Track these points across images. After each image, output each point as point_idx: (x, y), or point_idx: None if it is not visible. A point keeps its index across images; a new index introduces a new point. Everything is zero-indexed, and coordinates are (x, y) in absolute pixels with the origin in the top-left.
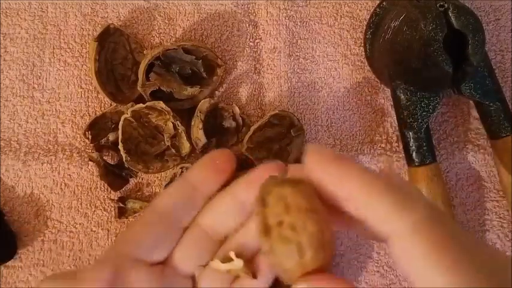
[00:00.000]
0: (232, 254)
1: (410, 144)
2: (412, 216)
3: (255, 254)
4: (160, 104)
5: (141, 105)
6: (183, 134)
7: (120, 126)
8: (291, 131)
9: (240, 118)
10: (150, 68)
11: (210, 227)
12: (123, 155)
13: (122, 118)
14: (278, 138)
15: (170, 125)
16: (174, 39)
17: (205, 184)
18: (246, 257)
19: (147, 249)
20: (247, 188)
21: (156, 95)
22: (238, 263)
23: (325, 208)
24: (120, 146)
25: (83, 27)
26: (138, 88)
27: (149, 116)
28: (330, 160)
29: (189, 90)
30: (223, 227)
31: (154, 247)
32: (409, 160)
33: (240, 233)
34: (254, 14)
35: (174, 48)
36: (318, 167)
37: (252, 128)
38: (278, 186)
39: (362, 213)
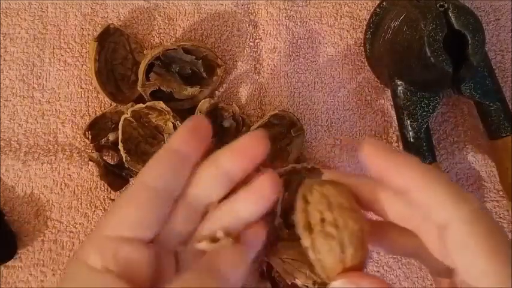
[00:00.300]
0: (220, 233)
1: (410, 144)
2: (469, 205)
3: (241, 231)
4: (160, 104)
5: (141, 105)
6: None
7: (120, 126)
8: (291, 131)
9: (240, 118)
10: (150, 68)
11: (194, 199)
12: (123, 155)
13: (122, 118)
14: (278, 138)
15: (170, 125)
16: (174, 39)
17: (191, 151)
18: (233, 235)
19: (145, 229)
20: (232, 157)
21: (156, 95)
22: (226, 243)
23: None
24: (120, 146)
25: (83, 27)
26: (138, 88)
27: (149, 116)
28: (389, 151)
29: (189, 90)
30: (207, 199)
31: (152, 225)
32: None
33: (227, 209)
34: (254, 14)
35: (174, 48)
36: (378, 157)
37: (252, 128)
38: (320, 185)
39: (422, 200)
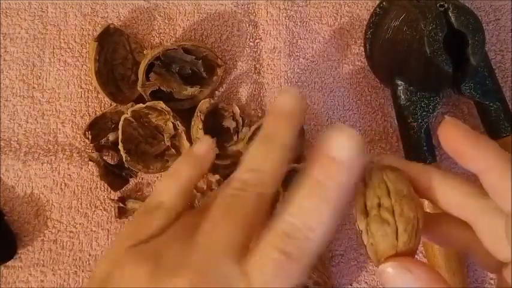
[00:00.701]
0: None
1: (410, 144)
2: None
3: None
4: (160, 104)
5: (141, 105)
6: (183, 134)
7: (120, 126)
8: None
9: (240, 118)
10: (150, 68)
11: None
12: (123, 155)
13: (122, 118)
14: None
15: (170, 125)
16: (174, 39)
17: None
18: None
19: None
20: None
21: (156, 95)
22: None
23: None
24: (120, 146)
25: (83, 27)
26: (138, 88)
27: (149, 116)
28: (469, 132)
29: (189, 90)
30: None
31: None
32: (409, 160)
33: None
34: (254, 14)
35: (174, 48)
36: (457, 136)
37: (252, 128)
38: (380, 170)
39: (496, 184)
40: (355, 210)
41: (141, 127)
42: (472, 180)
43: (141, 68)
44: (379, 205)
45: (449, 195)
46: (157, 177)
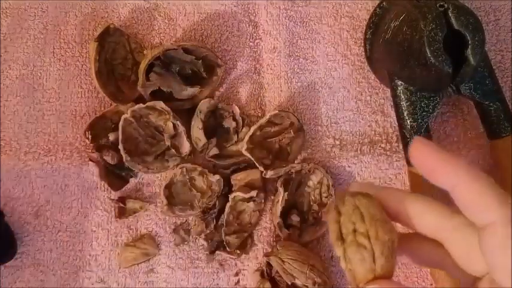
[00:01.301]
0: None
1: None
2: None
3: None
4: (161, 104)
5: (141, 105)
6: (183, 134)
7: (120, 127)
8: (291, 131)
9: (240, 118)
10: (150, 68)
11: None
12: (123, 155)
13: (122, 118)
14: (278, 138)
15: (170, 125)
16: (174, 39)
17: None
18: None
19: None
20: None
21: (156, 95)
22: None
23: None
24: (120, 146)
25: (83, 27)
26: (138, 88)
27: (149, 116)
28: (437, 150)
29: (189, 90)
30: None
31: None
32: (409, 160)
33: None
34: (254, 14)
35: (174, 48)
36: (426, 155)
37: (252, 128)
38: (352, 196)
39: (466, 199)
40: (331, 237)
41: (141, 127)
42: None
43: (141, 68)
44: (355, 230)
45: (420, 216)
46: (157, 177)
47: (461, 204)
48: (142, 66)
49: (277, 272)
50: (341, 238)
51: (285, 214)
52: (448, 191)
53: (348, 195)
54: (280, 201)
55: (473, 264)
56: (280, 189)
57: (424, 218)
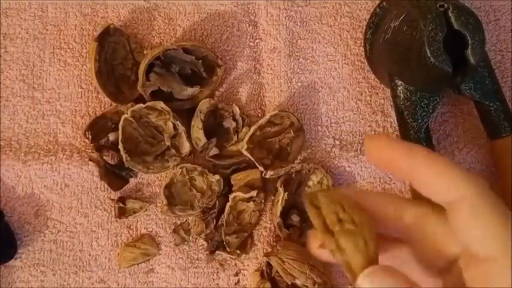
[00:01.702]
0: None
1: None
2: (477, 185)
3: None
4: (161, 104)
5: (141, 105)
6: (183, 134)
7: (120, 127)
8: (291, 131)
9: (240, 118)
10: (150, 68)
11: None
12: (123, 155)
13: (122, 118)
14: (278, 138)
15: (170, 125)
16: (174, 39)
17: None
18: None
19: None
20: None
21: (156, 95)
22: None
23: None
24: (120, 146)
25: (83, 27)
26: (138, 88)
27: (149, 116)
28: (391, 142)
29: (189, 90)
30: None
31: None
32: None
33: None
34: (254, 14)
35: (174, 49)
36: (380, 149)
37: (252, 128)
38: (322, 191)
39: (427, 183)
40: (318, 234)
41: (141, 127)
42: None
43: (141, 68)
44: (339, 220)
45: (390, 220)
46: (157, 177)
47: (424, 188)
48: (142, 66)
49: (277, 272)
50: (328, 231)
51: (285, 214)
52: (409, 179)
53: (318, 191)
54: (280, 201)
55: (445, 250)
56: (280, 189)
57: (394, 221)
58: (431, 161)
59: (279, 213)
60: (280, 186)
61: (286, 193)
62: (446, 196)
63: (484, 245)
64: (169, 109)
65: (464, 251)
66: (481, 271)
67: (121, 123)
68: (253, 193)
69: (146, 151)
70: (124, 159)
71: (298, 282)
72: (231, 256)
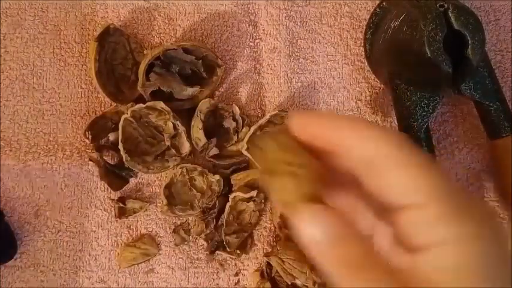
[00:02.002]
0: None
1: None
2: (391, 141)
3: None
4: (161, 104)
5: (141, 105)
6: (183, 134)
7: (120, 127)
8: None
9: (240, 118)
10: (150, 68)
11: None
12: (123, 155)
13: (122, 118)
14: None
15: (170, 125)
16: (174, 39)
17: None
18: None
19: None
20: None
21: (156, 95)
22: None
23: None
24: (120, 146)
25: (83, 27)
26: (138, 88)
27: (149, 116)
28: (314, 113)
29: (189, 90)
30: None
31: None
32: None
33: None
34: (254, 14)
35: (174, 49)
36: (309, 120)
37: (252, 128)
38: (266, 133)
39: (353, 145)
40: (261, 173)
41: (141, 127)
42: (472, 180)
43: (141, 68)
44: (280, 161)
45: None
46: (157, 177)
47: (350, 152)
48: (142, 66)
49: (277, 272)
50: (271, 172)
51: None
52: (336, 149)
53: (262, 134)
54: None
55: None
56: None
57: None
58: (351, 124)
59: (279, 214)
60: None
61: None
62: (366, 154)
63: (406, 196)
64: (169, 109)
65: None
66: (410, 219)
67: (121, 123)
68: (253, 193)
69: (146, 151)
70: (124, 159)
71: (298, 282)
72: (231, 256)
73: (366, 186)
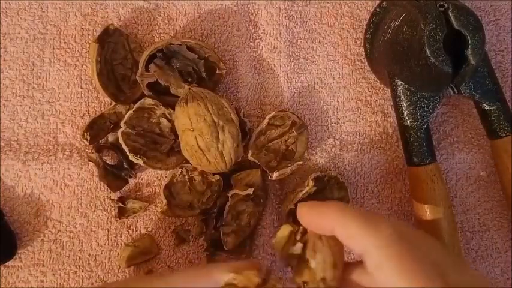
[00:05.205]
0: None
1: (410, 144)
2: (384, 231)
3: None
4: (148, 101)
5: (130, 112)
6: None
7: (122, 142)
8: (293, 129)
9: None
10: (151, 59)
11: None
12: (140, 160)
13: (119, 134)
14: (284, 138)
15: (164, 121)
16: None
17: None
18: None
19: None
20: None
21: (154, 88)
22: None
23: None
24: (132, 157)
25: (83, 27)
26: (137, 78)
27: (141, 123)
28: (314, 204)
29: (186, 88)
30: None
31: None
32: (409, 160)
33: None
34: (254, 14)
35: (178, 44)
36: (306, 213)
37: (254, 134)
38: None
39: (343, 236)
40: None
41: (139, 136)
42: (472, 180)
43: (142, 58)
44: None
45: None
46: (157, 177)
47: (343, 240)
48: (144, 55)
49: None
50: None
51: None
52: (334, 234)
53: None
54: (303, 191)
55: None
56: (311, 182)
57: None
58: (341, 216)
59: (295, 201)
60: (312, 180)
61: (314, 188)
62: (355, 249)
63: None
64: (157, 101)
65: None
66: None
67: (120, 139)
68: (250, 191)
69: (155, 156)
70: (142, 163)
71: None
72: (231, 256)
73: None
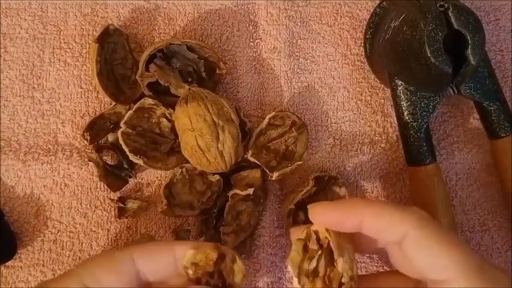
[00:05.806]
0: None
1: (410, 144)
2: (417, 213)
3: None
4: (147, 101)
5: (130, 112)
6: None
7: (122, 142)
8: (293, 129)
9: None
10: (151, 59)
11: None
12: (140, 160)
13: (119, 134)
14: (284, 138)
15: (164, 121)
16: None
17: None
18: None
19: None
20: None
21: (154, 88)
22: None
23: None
24: (132, 157)
25: (83, 27)
26: (137, 77)
27: (141, 123)
28: (333, 203)
29: (186, 88)
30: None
31: None
32: (409, 160)
33: None
34: (254, 14)
35: (178, 44)
36: (326, 211)
37: (254, 134)
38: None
39: (374, 227)
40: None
41: (140, 136)
42: (472, 180)
43: (142, 58)
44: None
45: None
46: (157, 177)
47: (374, 233)
48: (144, 55)
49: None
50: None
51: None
52: (358, 230)
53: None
54: (304, 191)
55: (410, 266)
56: (311, 182)
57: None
58: (371, 208)
59: (295, 201)
60: (312, 180)
61: (314, 188)
62: (393, 236)
63: (434, 271)
64: (157, 101)
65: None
66: None
67: (120, 139)
68: (250, 191)
69: (155, 156)
70: (142, 164)
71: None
72: None
73: (394, 264)
